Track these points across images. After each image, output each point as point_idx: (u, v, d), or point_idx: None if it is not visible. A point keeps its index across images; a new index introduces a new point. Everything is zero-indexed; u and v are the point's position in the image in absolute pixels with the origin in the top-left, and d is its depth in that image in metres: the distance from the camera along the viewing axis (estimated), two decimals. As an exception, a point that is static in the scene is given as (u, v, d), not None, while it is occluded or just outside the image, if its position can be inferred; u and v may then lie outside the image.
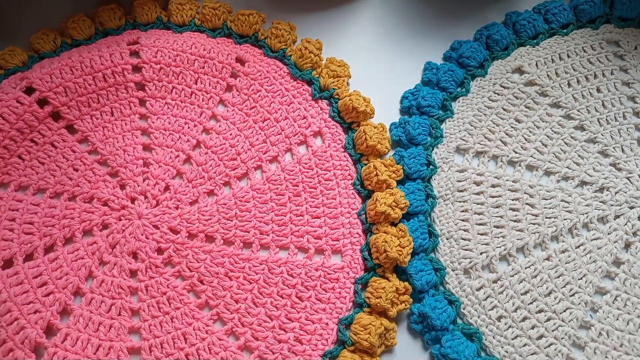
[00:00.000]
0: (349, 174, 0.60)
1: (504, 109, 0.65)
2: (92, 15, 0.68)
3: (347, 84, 0.65)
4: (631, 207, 0.60)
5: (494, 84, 0.65)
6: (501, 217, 0.59)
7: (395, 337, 0.53)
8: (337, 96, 0.63)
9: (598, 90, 0.66)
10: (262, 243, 0.57)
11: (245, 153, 0.61)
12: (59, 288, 0.55)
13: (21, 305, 0.54)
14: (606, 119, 0.65)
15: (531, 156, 0.62)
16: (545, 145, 0.63)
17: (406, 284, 0.54)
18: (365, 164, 0.60)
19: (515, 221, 0.58)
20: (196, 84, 0.64)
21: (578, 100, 0.66)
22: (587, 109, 0.65)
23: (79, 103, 0.62)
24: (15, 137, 0.60)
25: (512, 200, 0.59)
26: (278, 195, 0.59)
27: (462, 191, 0.59)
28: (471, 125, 0.63)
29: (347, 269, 0.56)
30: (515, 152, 0.62)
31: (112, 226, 0.58)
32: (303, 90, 0.64)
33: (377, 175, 0.58)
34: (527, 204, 0.59)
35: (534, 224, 0.58)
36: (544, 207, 0.59)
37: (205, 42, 0.66)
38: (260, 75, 0.63)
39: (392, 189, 0.57)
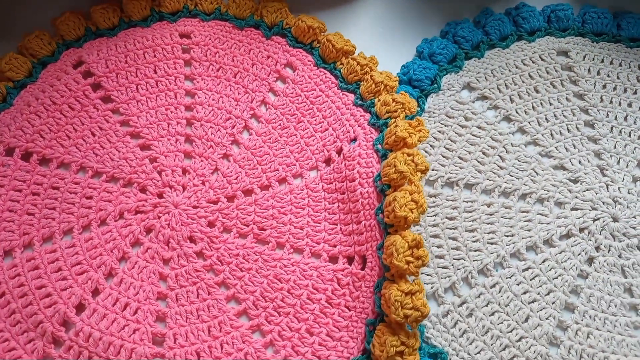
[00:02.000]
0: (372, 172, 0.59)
1: (457, 133, 0.64)
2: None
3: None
4: (595, 220, 0.60)
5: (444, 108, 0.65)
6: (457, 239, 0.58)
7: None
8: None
9: (550, 103, 0.66)
10: (296, 247, 0.57)
11: (282, 158, 0.62)
12: (94, 267, 0.56)
13: (55, 281, 0.55)
14: (559, 131, 0.65)
15: (487, 179, 0.61)
16: (500, 167, 0.62)
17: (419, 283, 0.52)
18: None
19: (474, 241, 0.58)
20: (243, 81, 0.65)
21: (529, 114, 0.66)
22: (537, 122, 0.65)
23: (129, 88, 0.64)
24: (65, 112, 0.62)
25: (470, 222, 0.59)
26: (315, 202, 0.59)
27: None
28: (425, 151, 0.63)
29: (368, 276, 0.55)
30: (472, 177, 0.61)
31: (147, 212, 0.59)
32: (347, 100, 0.64)
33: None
34: (485, 223, 0.59)
35: (492, 243, 0.58)
36: (503, 226, 0.59)
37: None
38: (307, 84, 0.64)
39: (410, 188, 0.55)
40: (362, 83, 0.64)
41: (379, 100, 0.62)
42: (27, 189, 0.59)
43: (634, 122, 0.65)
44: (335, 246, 0.56)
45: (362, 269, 0.55)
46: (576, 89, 0.67)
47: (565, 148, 0.63)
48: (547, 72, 0.68)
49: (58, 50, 0.65)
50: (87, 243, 0.57)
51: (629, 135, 0.64)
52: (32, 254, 0.56)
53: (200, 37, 0.67)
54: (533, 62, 0.69)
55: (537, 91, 0.67)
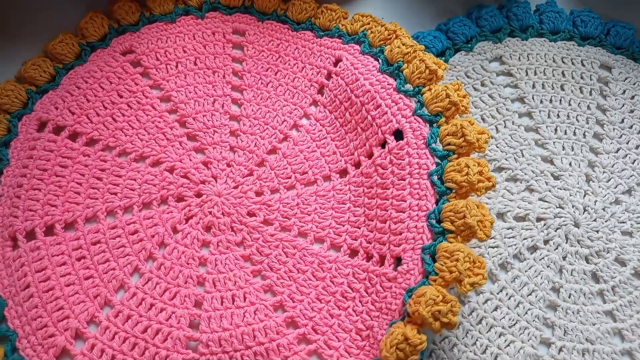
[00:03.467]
0: (426, 173, 0.57)
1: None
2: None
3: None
4: (556, 217, 0.61)
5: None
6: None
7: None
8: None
9: (569, 103, 0.67)
10: (334, 243, 0.58)
11: (329, 156, 0.63)
12: (134, 251, 0.57)
13: (97, 264, 0.56)
14: (565, 130, 0.66)
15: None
16: (491, 136, 0.61)
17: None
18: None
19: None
20: (293, 82, 0.66)
21: (543, 104, 0.67)
22: (548, 114, 0.67)
23: (177, 77, 0.65)
24: (113, 98, 0.63)
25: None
26: (356, 197, 0.60)
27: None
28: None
29: (400, 279, 0.53)
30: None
31: (189, 199, 0.60)
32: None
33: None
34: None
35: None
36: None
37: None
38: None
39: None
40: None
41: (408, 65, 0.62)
42: (72, 168, 0.60)
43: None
44: (370, 243, 0.57)
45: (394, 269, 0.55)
46: (602, 102, 0.67)
47: (563, 147, 0.64)
48: (582, 77, 0.68)
49: (109, 35, 0.67)
50: (129, 226, 0.58)
51: (632, 162, 0.64)
52: (75, 234, 0.57)
53: (254, 36, 0.68)
54: (573, 63, 0.69)
55: (563, 89, 0.68)
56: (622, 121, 0.66)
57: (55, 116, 0.62)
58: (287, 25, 0.70)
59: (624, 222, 0.61)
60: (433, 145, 0.56)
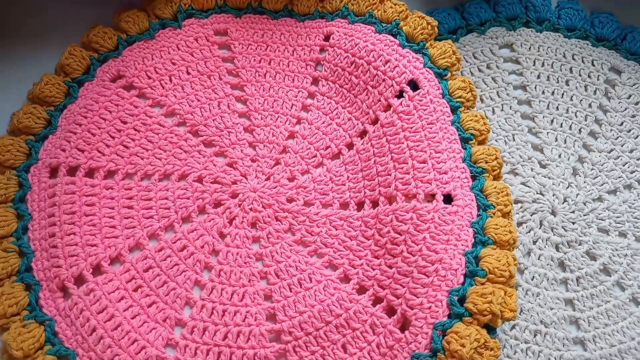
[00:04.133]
0: (449, 120, 0.61)
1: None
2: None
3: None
4: (534, 201, 0.63)
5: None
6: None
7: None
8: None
9: (571, 98, 0.69)
10: (372, 199, 0.59)
11: (345, 124, 0.64)
12: (190, 266, 0.57)
13: (156, 288, 0.56)
14: (560, 123, 0.68)
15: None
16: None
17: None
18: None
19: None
20: (288, 66, 0.68)
21: (545, 95, 0.69)
22: (547, 105, 0.69)
23: (175, 90, 0.65)
24: (117, 126, 0.62)
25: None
26: (379, 149, 0.61)
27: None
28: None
29: (460, 212, 0.56)
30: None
31: (226, 202, 0.60)
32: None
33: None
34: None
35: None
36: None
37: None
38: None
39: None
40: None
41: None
42: (99, 204, 0.59)
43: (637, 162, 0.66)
44: (409, 184, 0.58)
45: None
46: (605, 103, 0.68)
47: (556, 138, 0.66)
48: (589, 76, 0.70)
49: (92, 66, 0.65)
50: (176, 244, 0.58)
51: (623, 165, 0.65)
52: (124, 268, 0.56)
53: (238, 32, 0.69)
54: (583, 62, 0.71)
55: (567, 84, 0.69)
56: (622, 124, 0.67)
57: (65, 158, 0.60)
58: (265, 15, 0.70)
59: (602, 220, 0.62)
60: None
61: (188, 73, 0.66)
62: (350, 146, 0.63)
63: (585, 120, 0.67)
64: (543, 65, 0.70)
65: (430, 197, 0.57)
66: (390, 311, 0.53)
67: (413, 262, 0.54)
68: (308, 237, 0.59)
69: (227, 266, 0.57)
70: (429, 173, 0.57)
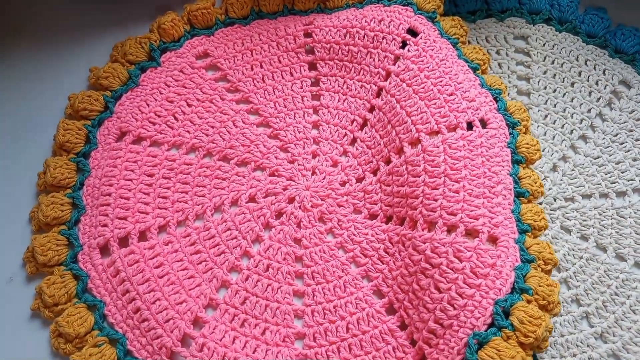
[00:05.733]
0: (456, 54, 0.63)
1: None
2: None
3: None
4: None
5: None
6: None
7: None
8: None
9: (579, 90, 0.69)
10: (410, 141, 0.58)
11: (359, 92, 0.64)
12: (230, 249, 0.58)
13: (196, 264, 0.57)
14: (554, 121, 0.68)
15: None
16: None
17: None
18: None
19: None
20: (280, 62, 0.67)
21: (546, 88, 0.69)
22: (552, 99, 0.69)
23: (254, 79, 0.66)
24: (190, 100, 0.64)
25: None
26: (403, 93, 0.61)
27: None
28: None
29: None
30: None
31: (278, 195, 0.61)
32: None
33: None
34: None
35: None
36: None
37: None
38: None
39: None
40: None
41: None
42: (158, 174, 0.60)
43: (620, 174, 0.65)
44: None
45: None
46: (605, 112, 0.68)
47: (545, 132, 0.67)
48: (596, 84, 0.69)
49: (91, 134, 0.62)
50: (222, 225, 0.59)
51: (606, 173, 0.64)
52: (168, 238, 0.58)
53: (218, 50, 0.67)
54: (594, 69, 0.70)
55: (572, 86, 0.69)
56: (616, 135, 0.66)
57: (136, 128, 0.62)
58: (235, 25, 0.69)
59: (567, 219, 0.62)
60: None
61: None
62: (371, 109, 0.63)
63: (580, 123, 0.67)
64: (553, 63, 0.70)
65: (470, 124, 0.57)
66: (471, 234, 0.53)
67: (481, 183, 0.54)
68: (373, 208, 0.59)
69: (315, 266, 0.57)
70: (461, 103, 0.58)
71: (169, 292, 0.55)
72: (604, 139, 0.66)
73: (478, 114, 0.58)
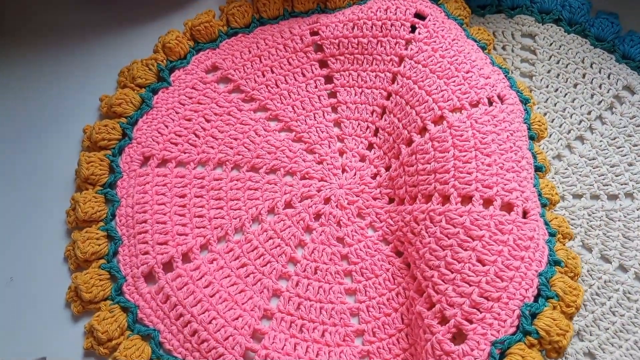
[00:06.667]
0: (464, 35, 0.64)
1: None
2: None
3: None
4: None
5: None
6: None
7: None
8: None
9: (584, 91, 0.69)
10: (433, 119, 0.58)
11: (374, 82, 0.64)
12: (275, 257, 0.57)
13: (244, 277, 0.56)
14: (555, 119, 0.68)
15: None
16: None
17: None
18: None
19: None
20: (290, 64, 0.67)
21: (556, 89, 0.69)
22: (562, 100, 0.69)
23: (267, 85, 0.65)
24: (208, 116, 0.63)
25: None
26: (420, 74, 0.61)
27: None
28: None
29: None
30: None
31: (313, 198, 0.60)
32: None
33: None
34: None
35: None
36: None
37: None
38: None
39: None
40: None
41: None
42: (190, 193, 0.59)
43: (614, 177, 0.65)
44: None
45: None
46: (605, 115, 0.68)
47: (551, 129, 0.67)
48: (600, 87, 0.68)
49: (114, 162, 0.61)
50: (262, 235, 0.58)
51: (599, 175, 0.64)
52: (211, 256, 0.57)
53: (227, 61, 0.67)
54: (600, 72, 0.70)
55: (575, 87, 0.69)
56: (614, 138, 0.66)
57: (159, 151, 0.61)
58: (239, 34, 0.69)
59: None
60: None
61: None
62: (388, 96, 0.63)
63: (579, 124, 0.67)
64: (558, 63, 0.70)
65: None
66: (506, 207, 0.52)
67: (509, 158, 0.54)
68: (398, 192, 0.59)
69: (362, 262, 0.57)
70: (479, 80, 0.58)
71: (223, 309, 0.54)
72: (601, 141, 0.66)
73: (495, 89, 0.58)
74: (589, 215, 0.62)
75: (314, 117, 0.64)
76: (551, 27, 0.72)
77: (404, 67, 0.62)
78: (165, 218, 0.58)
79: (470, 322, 0.47)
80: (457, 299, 0.48)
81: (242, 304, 0.55)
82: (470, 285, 0.48)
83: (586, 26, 0.72)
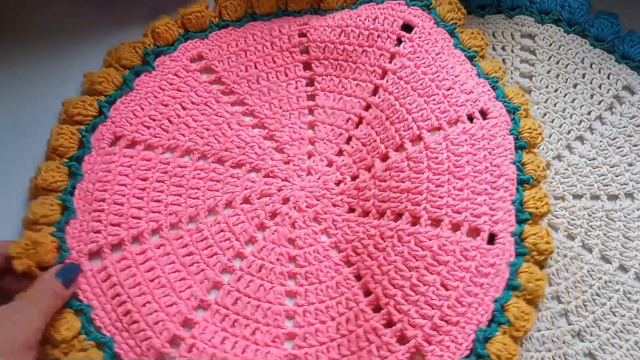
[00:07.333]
0: (452, 44, 0.62)
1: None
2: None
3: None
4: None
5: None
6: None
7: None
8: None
9: (583, 92, 0.68)
10: (411, 138, 0.58)
11: (355, 91, 0.63)
12: (223, 250, 0.57)
13: (187, 266, 0.56)
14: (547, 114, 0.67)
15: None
16: None
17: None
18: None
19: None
20: (274, 62, 0.66)
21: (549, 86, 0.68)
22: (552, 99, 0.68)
23: (249, 80, 0.65)
24: (185, 104, 0.63)
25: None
26: (401, 91, 0.60)
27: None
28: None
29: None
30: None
31: (272, 196, 0.60)
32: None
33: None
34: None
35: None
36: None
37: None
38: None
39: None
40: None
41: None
42: (152, 177, 0.60)
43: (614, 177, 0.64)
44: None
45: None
46: (605, 115, 0.67)
47: (551, 129, 0.66)
48: (599, 87, 0.67)
49: (85, 138, 0.61)
50: (215, 226, 0.58)
51: (599, 175, 0.63)
52: (160, 241, 0.57)
53: (212, 52, 0.67)
54: (599, 72, 0.69)
55: (574, 87, 0.68)
56: (614, 139, 0.65)
57: (130, 132, 0.61)
58: (230, 27, 0.68)
59: (556, 217, 0.61)
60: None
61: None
62: (367, 107, 0.62)
63: (579, 124, 0.66)
64: (557, 63, 0.69)
65: (470, 116, 0.58)
66: (473, 232, 0.53)
67: (483, 179, 0.54)
68: (366, 205, 0.58)
69: (309, 267, 0.57)
70: (460, 96, 0.58)
71: (159, 294, 0.54)
72: (601, 141, 0.65)
73: (477, 105, 0.58)
74: (589, 215, 0.61)
75: (290, 117, 0.64)
76: (551, 27, 0.71)
77: (387, 81, 0.61)
78: (123, 200, 0.58)
79: (429, 343, 0.50)
80: (420, 321, 0.50)
81: (180, 292, 0.55)
82: (432, 308, 0.51)
83: (586, 26, 0.71)
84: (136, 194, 0.59)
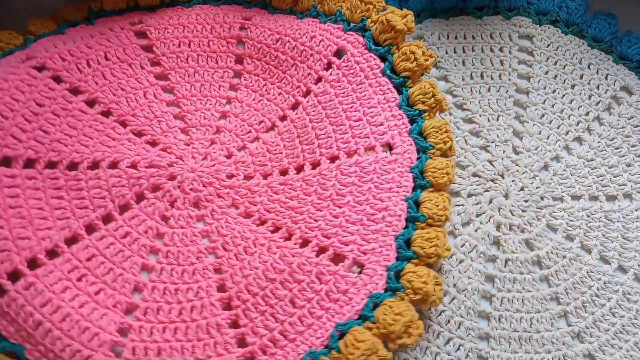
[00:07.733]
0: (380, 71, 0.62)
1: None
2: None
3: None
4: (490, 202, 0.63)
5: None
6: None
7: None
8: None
9: (580, 94, 0.69)
10: (313, 162, 0.59)
11: (276, 98, 0.64)
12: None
13: (102, 275, 0.54)
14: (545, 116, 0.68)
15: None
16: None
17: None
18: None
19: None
20: (209, 46, 0.67)
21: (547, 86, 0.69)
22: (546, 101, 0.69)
23: (178, 56, 0.65)
24: (110, 55, 0.63)
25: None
26: (317, 114, 0.61)
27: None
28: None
29: (400, 160, 0.58)
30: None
31: (165, 186, 0.59)
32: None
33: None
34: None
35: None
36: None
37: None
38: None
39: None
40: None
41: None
42: (23, 195, 0.55)
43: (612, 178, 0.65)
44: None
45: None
46: (603, 116, 0.66)
47: (539, 131, 0.65)
48: (597, 88, 0.68)
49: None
50: (118, 231, 0.56)
51: (598, 176, 0.64)
52: (64, 258, 0.54)
53: (153, 19, 0.66)
54: (597, 72, 0.68)
55: (572, 87, 0.68)
56: (612, 139, 0.66)
57: (43, 57, 0.59)
58: (178, 6, 0.69)
59: (555, 218, 0.62)
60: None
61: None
62: (283, 118, 0.63)
63: (577, 125, 0.66)
64: (555, 64, 0.70)
65: (371, 149, 0.58)
66: (337, 259, 0.54)
67: (361, 210, 0.55)
68: (251, 208, 0.58)
69: (173, 247, 0.56)
70: (365, 128, 0.59)
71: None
72: (599, 142, 0.66)
73: (382, 138, 0.59)
74: (588, 216, 0.62)
75: (206, 102, 0.64)
76: (548, 28, 0.72)
77: (308, 101, 0.62)
78: (2, 222, 0.54)
79: (264, 353, 0.51)
80: (262, 330, 0.51)
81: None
82: (276, 321, 0.51)
83: (583, 27, 0.72)
84: (14, 215, 0.54)
